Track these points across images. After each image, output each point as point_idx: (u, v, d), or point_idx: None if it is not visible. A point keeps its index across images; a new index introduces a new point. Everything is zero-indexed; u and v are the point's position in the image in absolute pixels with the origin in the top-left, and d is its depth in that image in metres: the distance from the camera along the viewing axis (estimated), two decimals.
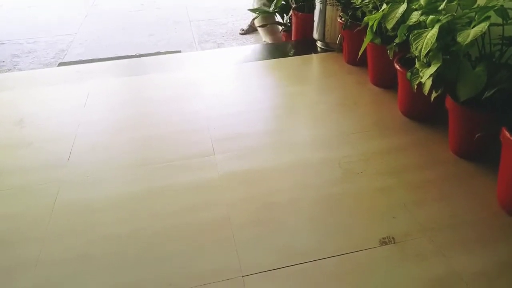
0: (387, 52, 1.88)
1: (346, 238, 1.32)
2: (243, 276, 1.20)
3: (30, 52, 3.67)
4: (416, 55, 1.44)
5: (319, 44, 2.69)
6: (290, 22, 3.09)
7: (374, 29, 1.88)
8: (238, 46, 3.66)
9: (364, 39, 1.94)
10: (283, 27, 3.24)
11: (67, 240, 1.35)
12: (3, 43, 3.87)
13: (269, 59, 2.70)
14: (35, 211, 1.46)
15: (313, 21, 2.67)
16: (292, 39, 2.99)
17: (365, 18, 1.91)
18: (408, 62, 1.81)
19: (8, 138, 1.88)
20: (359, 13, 2.28)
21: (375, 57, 2.14)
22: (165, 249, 1.30)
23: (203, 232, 1.36)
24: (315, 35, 2.65)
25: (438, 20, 1.44)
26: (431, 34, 1.41)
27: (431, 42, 1.40)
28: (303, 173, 1.62)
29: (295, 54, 2.72)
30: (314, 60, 2.62)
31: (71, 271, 1.24)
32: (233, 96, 2.24)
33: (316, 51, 2.69)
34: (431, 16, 1.48)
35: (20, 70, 3.32)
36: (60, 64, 3.36)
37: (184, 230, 1.37)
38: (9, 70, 3.36)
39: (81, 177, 1.62)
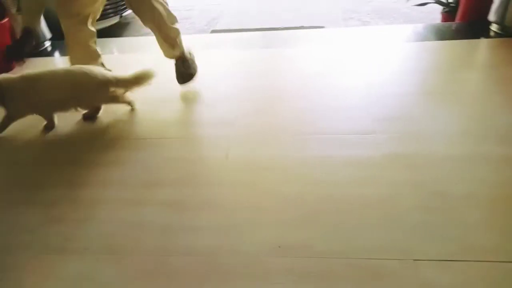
0: None
1: None
2: (414, 260, 1.17)
3: (186, 18, 4.06)
4: None
5: (493, 27, 2.38)
6: (454, 1, 2.78)
7: None
8: (385, 25, 3.47)
9: None
10: (444, 7, 2.95)
11: (240, 189, 1.48)
12: None
13: (426, 41, 2.50)
14: (211, 159, 1.63)
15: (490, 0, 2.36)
16: (457, 20, 2.70)
17: None
18: None
19: (184, 96, 2.13)
20: None
21: None
22: (328, 216, 1.33)
23: (367, 207, 1.35)
24: (492, 16, 2.35)
25: None
26: None
27: None
28: (479, 167, 1.48)
29: (460, 38, 2.45)
30: (485, 45, 2.34)
31: (245, 217, 1.36)
32: (387, 77, 2.14)
33: (487, 36, 2.39)
34: None
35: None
36: (213, 31, 3.64)
37: (346, 201, 1.38)
38: None
39: (248, 136, 1.75)
